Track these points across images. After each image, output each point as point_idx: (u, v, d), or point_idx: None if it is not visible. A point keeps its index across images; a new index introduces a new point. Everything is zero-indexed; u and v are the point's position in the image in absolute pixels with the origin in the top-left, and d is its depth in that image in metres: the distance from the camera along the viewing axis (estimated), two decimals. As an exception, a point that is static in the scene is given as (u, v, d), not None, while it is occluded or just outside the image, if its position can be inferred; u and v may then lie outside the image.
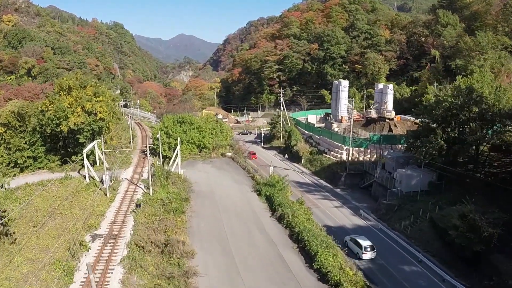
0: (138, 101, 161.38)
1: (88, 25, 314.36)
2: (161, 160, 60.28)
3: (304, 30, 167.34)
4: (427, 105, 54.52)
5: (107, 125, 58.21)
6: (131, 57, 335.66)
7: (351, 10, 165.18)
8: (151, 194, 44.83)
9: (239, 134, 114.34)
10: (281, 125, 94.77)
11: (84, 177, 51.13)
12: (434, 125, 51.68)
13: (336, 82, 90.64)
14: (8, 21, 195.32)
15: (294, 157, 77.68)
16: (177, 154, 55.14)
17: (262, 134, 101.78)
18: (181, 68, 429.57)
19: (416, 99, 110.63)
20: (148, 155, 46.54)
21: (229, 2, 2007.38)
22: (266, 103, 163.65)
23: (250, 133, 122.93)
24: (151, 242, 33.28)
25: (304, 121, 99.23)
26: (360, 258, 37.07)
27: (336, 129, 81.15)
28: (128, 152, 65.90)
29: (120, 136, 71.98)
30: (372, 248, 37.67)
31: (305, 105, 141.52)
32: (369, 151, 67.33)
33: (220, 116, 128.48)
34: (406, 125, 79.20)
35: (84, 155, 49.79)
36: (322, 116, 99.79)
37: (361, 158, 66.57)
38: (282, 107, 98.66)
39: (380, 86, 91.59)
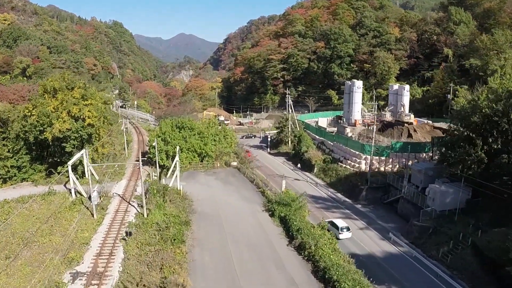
0: (136, 102, 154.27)
1: (87, 24, 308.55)
2: (158, 171, 53.75)
3: (309, 28, 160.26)
4: (461, 110, 48.04)
5: (97, 131, 51.78)
6: (130, 56, 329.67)
7: (358, 7, 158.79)
8: (145, 216, 38.34)
9: (242, 138, 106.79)
10: (289, 129, 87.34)
11: (70, 192, 44.74)
12: (468, 133, 45.13)
13: (349, 82, 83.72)
14: (4, 20, 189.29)
15: (305, 166, 70.25)
16: (175, 165, 48.41)
17: (268, 138, 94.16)
18: (181, 68, 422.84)
19: (430, 100, 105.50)
20: (141, 169, 39.78)
21: (230, 1, 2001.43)
22: (270, 104, 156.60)
23: (254, 136, 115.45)
24: (144, 285, 26.72)
25: (314, 124, 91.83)
26: (337, 238, 39.66)
27: (349, 134, 74.42)
28: (121, 161, 59.50)
29: (113, 143, 65.26)
30: (348, 229, 42.24)
31: (312, 106, 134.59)
32: (390, 160, 60.31)
33: (222, 118, 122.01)
34: (425, 129, 72.74)
35: (69, 167, 43.50)
36: (333, 119, 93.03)
37: (381, 169, 59.61)
38: (289, 109, 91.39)
39: (395, 87, 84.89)
